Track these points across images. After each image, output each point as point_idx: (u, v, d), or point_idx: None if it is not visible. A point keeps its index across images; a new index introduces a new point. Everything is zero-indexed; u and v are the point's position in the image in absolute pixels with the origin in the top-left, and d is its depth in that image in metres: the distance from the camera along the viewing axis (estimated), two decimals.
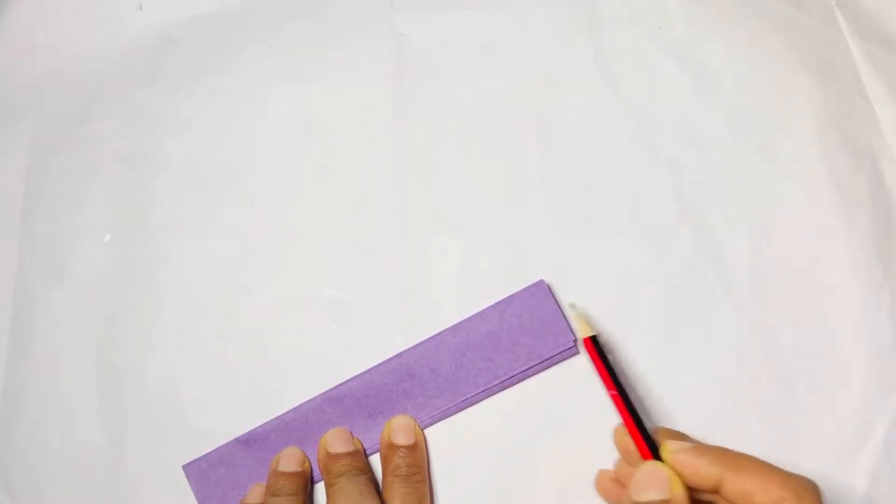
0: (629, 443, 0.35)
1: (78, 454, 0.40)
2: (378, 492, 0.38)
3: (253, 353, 0.41)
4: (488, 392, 0.40)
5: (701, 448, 0.33)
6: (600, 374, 0.36)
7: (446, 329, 0.40)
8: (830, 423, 0.39)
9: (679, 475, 0.32)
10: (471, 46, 0.45)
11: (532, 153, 0.43)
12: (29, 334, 0.42)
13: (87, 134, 0.45)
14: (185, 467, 0.40)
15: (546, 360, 0.39)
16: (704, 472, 0.32)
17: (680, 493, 0.31)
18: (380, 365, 0.40)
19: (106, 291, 0.43)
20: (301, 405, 0.40)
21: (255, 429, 0.40)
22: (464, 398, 0.39)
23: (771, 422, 0.39)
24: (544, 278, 0.41)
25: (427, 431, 0.40)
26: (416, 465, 0.38)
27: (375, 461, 0.39)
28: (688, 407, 0.39)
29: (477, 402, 0.40)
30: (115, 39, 0.47)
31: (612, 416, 0.39)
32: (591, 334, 0.37)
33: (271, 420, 0.40)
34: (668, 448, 0.33)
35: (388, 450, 0.38)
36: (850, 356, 0.40)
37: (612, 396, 0.35)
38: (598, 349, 0.36)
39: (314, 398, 0.40)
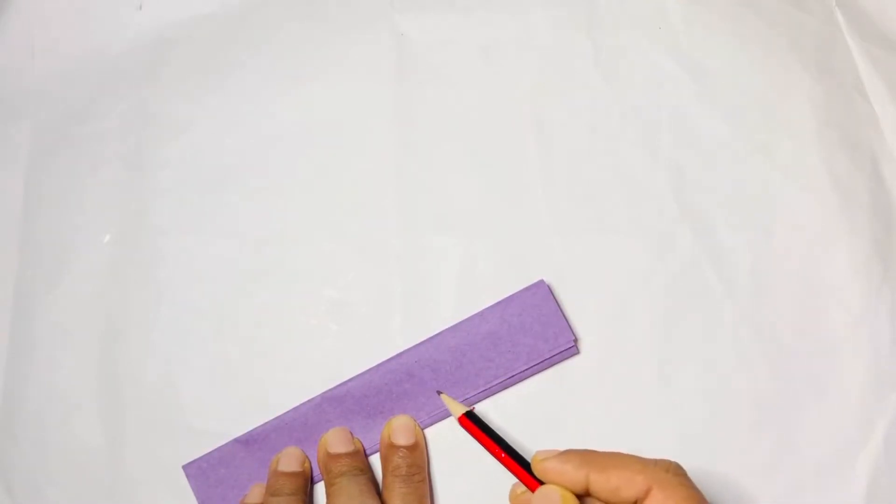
0: (523, 500, 0.35)
1: (78, 454, 0.40)
2: (378, 492, 0.38)
3: (253, 353, 0.41)
4: (488, 392, 0.40)
5: (567, 454, 0.33)
6: (484, 445, 0.36)
7: (446, 329, 0.40)
8: (830, 423, 0.39)
9: (548, 481, 0.33)
10: (471, 46, 0.45)
11: (532, 153, 0.43)
12: (29, 334, 0.42)
13: (87, 134, 0.45)
14: (185, 467, 0.40)
15: (546, 360, 0.39)
16: (571, 475, 0.32)
17: None
18: (380, 365, 0.40)
19: (106, 291, 0.43)
20: (301, 405, 0.40)
21: (255, 429, 0.40)
22: (464, 398, 0.39)
23: (771, 422, 0.39)
24: (544, 278, 0.41)
25: (427, 431, 0.40)
26: (416, 465, 0.38)
27: (375, 461, 0.40)
28: (688, 407, 0.39)
29: (477, 402, 0.40)
30: (115, 39, 0.47)
31: (611, 417, 0.39)
32: (464, 411, 0.37)
33: (271, 420, 0.40)
34: (536, 458, 0.34)
35: (388, 450, 0.38)
36: (850, 356, 0.40)
37: (503, 459, 0.36)
38: (476, 422, 0.37)
39: (314, 398, 0.40)
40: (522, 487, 0.35)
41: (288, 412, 0.40)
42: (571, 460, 0.33)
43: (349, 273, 0.42)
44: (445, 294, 0.41)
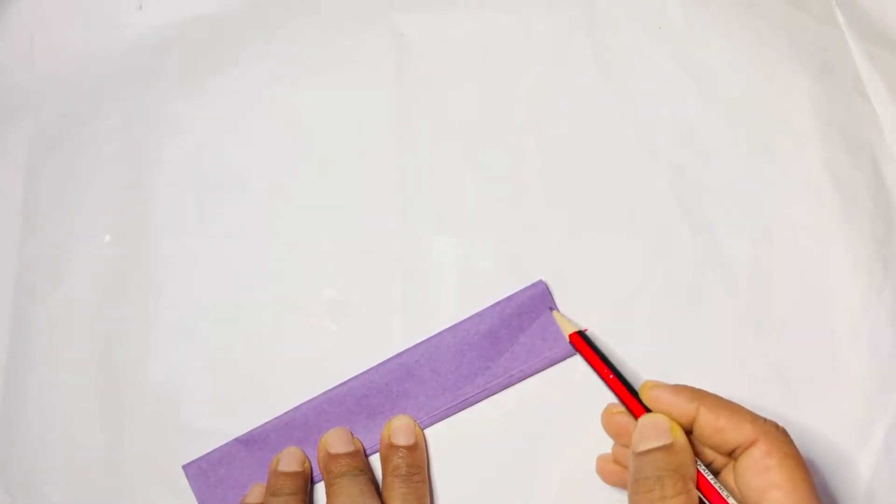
0: (619, 420, 0.35)
1: (78, 454, 0.40)
2: (378, 492, 0.38)
3: (253, 353, 0.41)
4: (488, 392, 0.40)
5: (679, 386, 0.34)
6: (593, 365, 0.36)
7: (446, 329, 0.40)
8: (830, 423, 0.39)
9: (656, 409, 0.33)
10: (471, 46, 0.45)
11: (532, 153, 0.43)
12: (29, 334, 0.42)
13: (87, 134, 0.45)
14: (185, 467, 0.40)
15: (546, 359, 0.39)
16: (680, 407, 0.33)
17: (681, 437, 0.32)
18: (380, 365, 0.40)
19: (106, 291, 0.43)
20: (301, 405, 0.40)
21: (255, 429, 0.40)
22: (464, 398, 0.39)
23: None
24: (544, 278, 0.41)
25: (427, 431, 0.40)
26: (416, 465, 0.38)
27: (375, 461, 0.39)
28: None
29: (477, 402, 0.40)
30: (114, 40, 0.47)
31: None
32: (576, 330, 0.38)
33: (271, 420, 0.40)
34: (647, 385, 0.34)
35: (388, 450, 0.38)
36: (850, 356, 0.40)
37: (610, 381, 0.36)
38: (587, 341, 0.37)
39: (314, 398, 0.40)
40: (619, 408, 0.35)
41: (288, 412, 0.40)
42: (683, 393, 0.33)
43: (349, 273, 0.42)
44: (445, 294, 0.41)
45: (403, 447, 0.38)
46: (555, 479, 0.38)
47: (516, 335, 0.40)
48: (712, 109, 0.44)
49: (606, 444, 0.37)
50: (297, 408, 0.40)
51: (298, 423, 0.40)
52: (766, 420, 0.32)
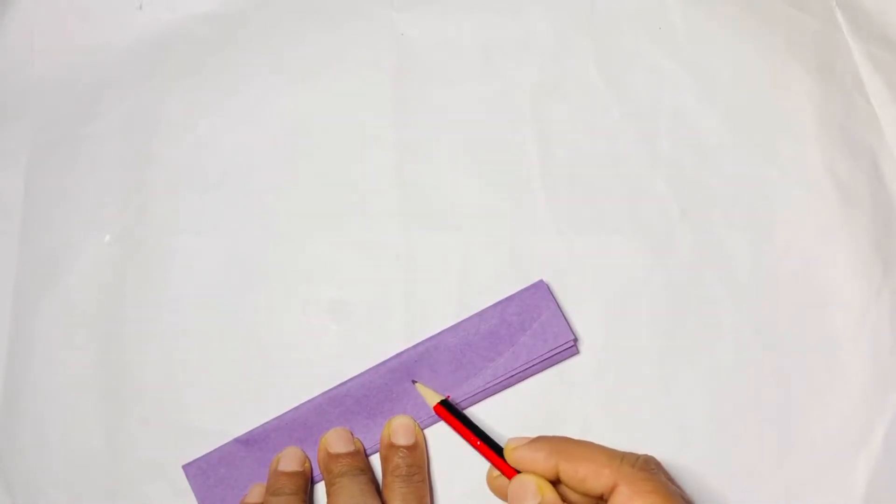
0: (500, 483, 0.36)
1: (78, 454, 0.40)
2: (378, 491, 0.38)
3: (253, 353, 0.41)
4: (488, 392, 0.40)
5: (538, 441, 0.34)
6: (460, 432, 0.37)
7: (446, 329, 0.40)
8: (830, 423, 0.39)
9: (520, 469, 0.34)
10: (471, 46, 0.45)
11: (532, 153, 0.43)
12: (29, 334, 0.42)
13: (87, 134, 0.45)
14: (185, 467, 0.40)
15: (546, 359, 0.39)
16: (542, 463, 0.33)
17: (549, 494, 0.33)
18: (380, 365, 0.40)
19: (106, 291, 0.43)
20: (301, 405, 0.40)
21: (255, 429, 0.40)
22: (464, 398, 0.39)
23: (771, 422, 0.39)
24: (544, 278, 0.41)
25: (427, 431, 0.40)
26: (416, 465, 0.38)
27: (375, 461, 0.39)
28: (688, 407, 0.39)
29: (477, 402, 0.40)
30: (114, 39, 0.47)
31: (611, 417, 0.39)
32: (439, 400, 0.38)
33: (271, 420, 0.40)
34: (509, 446, 0.35)
35: (388, 450, 0.38)
36: (850, 356, 0.40)
37: (478, 447, 0.36)
38: (451, 410, 0.38)
39: (314, 398, 0.40)
40: (497, 472, 0.36)
41: (288, 412, 0.40)
42: (542, 448, 0.34)
43: (349, 273, 0.42)
44: (445, 294, 0.41)
45: (403, 447, 0.38)
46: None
47: (516, 335, 0.40)
48: (712, 109, 0.44)
49: (607, 444, 0.37)
50: (297, 408, 0.40)
51: (298, 423, 0.40)
52: (623, 458, 0.32)
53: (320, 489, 0.39)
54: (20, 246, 0.44)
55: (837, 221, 0.41)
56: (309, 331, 0.41)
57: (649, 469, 0.32)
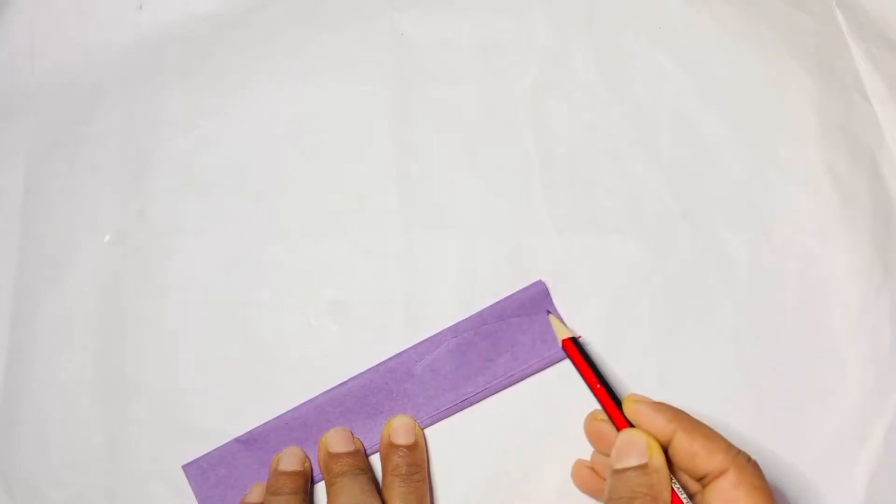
0: (601, 428, 0.35)
1: (78, 454, 0.40)
2: (379, 491, 0.38)
3: (253, 353, 0.41)
4: (488, 392, 0.40)
5: (661, 404, 0.34)
6: (582, 372, 0.37)
7: (446, 329, 0.40)
8: (830, 423, 0.39)
9: (636, 423, 0.34)
10: (471, 46, 0.45)
11: (532, 153, 0.43)
12: (29, 334, 0.42)
13: (87, 134, 0.45)
14: (185, 467, 0.40)
15: (546, 359, 0.39)
16: (658, 426, 0.33)
17: (657, 457, 0.32)
18: (380, 365, 0.40)
19: (106, 291, 0.43)
20: (301, 405, 0.40)
21: (255, 429, 0.40)
22: (464, 398, 0.39)
23: (771, 422, 0.39)
24: (544, 278, 0.41)
25: (427, 431, 0.40)
26: (416, 464, 0.38)
27: (375, 461, 0.39)
28: (687, 407, 0.39)
29: (477, 402, 0.40)
30: (115, 39, 0.47)
31: None
32: (569, 336, 0.38)
33: (271, 420, 0.40)
34: (630, 398, 0.34)
35: (388, 449, 0.38)
36: (850, 356, 0.40)
37: (597, 391, 0.36)
38: (579, 349, 0.37)
39: (314, 398, 0.40)
40: (603, 415, 0.35)
41: (288, 412, 0.40)
42: (664, 412, 0.33)
43: (349, 273, 0.42)
44: (445, 294, 0.41)
45: (403, 447, 0.38)
46: (554, 479, 0.38)
47: (516, 335, 0.40)
48: (712, 109, 0.44)
49: None
50: (297, 408, 0.40)
51: (298, 423, 0.40)
52: (739, 451, 0.32)
53: (320, 489, 0.39)
54: (20, 246, 0.44)
55: (837, 221, 0.41)
56: (309, 331, 0.41)
57: (760, 469, 0.32)
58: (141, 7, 0.47)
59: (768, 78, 0.44)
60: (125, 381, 0.41)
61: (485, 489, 0.39)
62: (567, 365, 0.40)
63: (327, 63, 0.46)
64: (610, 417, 0.35)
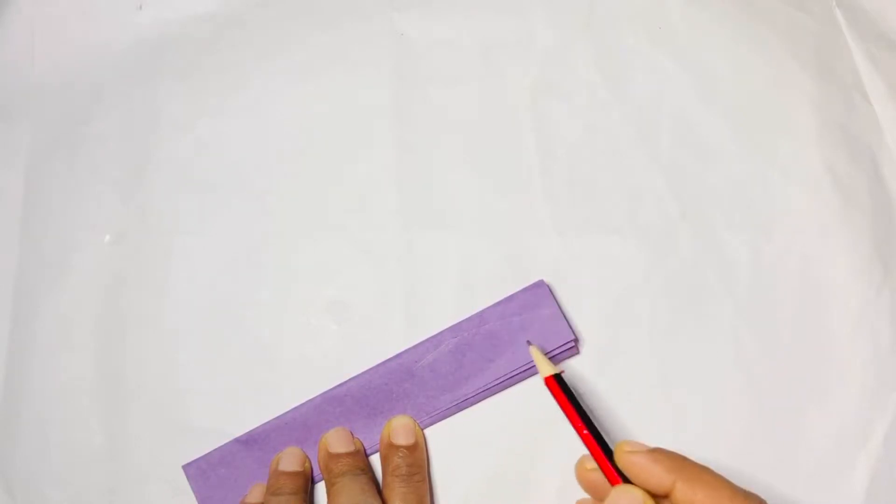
0: (591, 478, 0.34)
1: (78, 454, 0.40)
2: (379, 491, 0.38)
3: (253, 353, 0.41)
4: (488, 392, 0.40)
5: (657, 453, 0.32)
6: (567, 414, 0.34)
7: (446, 329, 0.40)
8: (830, 423, 0.39)
9: (630, 476, 0.32)
10: (471, 46, 0.45)
11: (532, 153, 0.43)
12: (29, 334, 0.42)
13: (87, 134, 0.45)
14: (185, 467, 0.40)
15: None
16: (657, 478, 0.31)
17: None
18: (380, 365, 0.40)
19: (106, 291, 0.43)
20: (301, 405, 0.40)
21: (255, 429, 0.40)
22: (464, 398, 0.39)
23: (771, 422, 0.39)
24: (544, 278, 0.41)
25: (427, 431, 0.40)
26: (416, 465, 0.38)
27: (375, 461, 0.39)
28: (688, 407, 0.39)
29: (477, 402, 0.40)
30: (114, 39, 0.47)
31: (611, 417, 0.39)
32: (553, 373, 0.36)
33: (271, 420, 0.40)
34: (623, 448, 0.32)
35: (388, 450, 0.38)
36: (850, 356, 0.40)
37: (584, 437, 0.34)
38: (563, 387, 0.35)
39: (314, 398, 0.40)
40: (593, 463, 0.33)
41: (288, 412, 0.40)
42: (662, 462, 0.31)
43: (349, 273, 0.42)
44: (445, 294, 0.41)
45: (403, 447, 0.38)
46: (554, 479, 0.38)
47: (516, 335, 0.40)
48: (712, 109, 0.44)
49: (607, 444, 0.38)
50: (297, 408, 0.40)
51: (298, 423, 0.40)
52: (747, 495, 0.30)
53: (321, 489, 0.39)
54: (20, 246, 0.44)
55: (837, 221, 0.41)
56: (309, 331, 0.42)
57: None
58: (141, 7, 0.47)
59: (768, 78, 0.44)
60: (125, 381, 0.41)
61: (485, 489, 0.39)
62: (567, 366, 0.40)
63: (327, 63, 0.46)
64: (601, 468, 0.33)
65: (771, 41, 0.45)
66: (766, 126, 0.43)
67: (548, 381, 0.35)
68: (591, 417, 0.34)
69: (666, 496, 0.31)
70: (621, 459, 0.32)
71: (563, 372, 0.36)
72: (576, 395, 0.35)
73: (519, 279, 0.41)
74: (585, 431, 0.34)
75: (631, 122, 0.44)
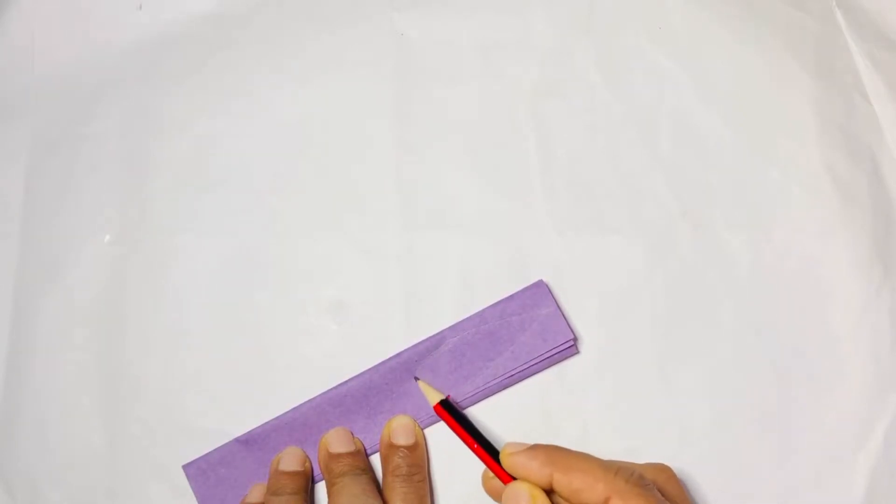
0: (494, 485, 0.36)
1: (78, 454, 0.40)
2: (379, 491, 0.38)
3: (253, 353, 0.41)
4: (488, 392, 0.40)
5: (534, 450, 0.34)
6: (458, 433, 0.37)
7: (446, 329, 0.40)
8: (830, 423, 0.39)
9: (515, 475, 0.34)
10: (471, 46, 0.45)
11: (532, 153, 0.43)
12: (29, 334, 0.42)
13: (87, 134, 0.45)
14: (185, 467, 0.40)
15: (546, 359, 0.39)
16: (536, 472, 0.33)
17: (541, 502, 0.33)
18: (380, 365, 0.40)
19: (106, 291, 0.43)
20: (301, 405, 0.40)
21: (255, 429, 0.40)
22: (464, 398, 0.39)
23: (771, 421, 0.39)
24: (544, 278, 0.41)
25: (427, 431, 0.40)
26: (416, 465, 0.38)
27: (375, 461, 0.39)
28: (688, 407, 0.39)
29: (477, 402, 0.40)
30: (114, 39, 0.47)
31: (611, 417, 0.39)
32: (439, 399, 0.38)
33: (271, 420, 0.40)
34: (505, 451, 0.35)
35: (389, 450, 0.38)
36: (850, 356, 0.40)
37: (475, 450, 0.36)
38: (449, 411, 0.37)
39: (314, 398, 0.40)
40: (493, 474, 0.36)
41: (288, 412, 0.40)
42: (538, 457, 0.33)
43: (349, 273, 0.42)
44: (445, 294, 0.41)
45: (404, 447, 0.38)
46: None
47: (516, 335, 0.40)
48: (712, 109, 0.44)
49: (605, 445, 0.37)
50: (297, 408, 0.40)
51: (298, 423, 0.40)
52: (617, 472, 0.32)
53: (321, 489, 0.39)
54: (20, 246, 0.44)
55: (837, 221, 0.41)
56: (309, 331, 0.42)
57: (643, 485, 0.32)
58: (141, 7, 0.47)
59: (768, 78, 0.44)
60: (125, 381, 0.41)
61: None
62: (567, 366, 0.40)
63: (327, 63, 0.46)
64: (496, 474, 0.35)
65: (771, 41, 0.45)
66: (766, 126, 0.43)
67: (436, 408, 0.38)
68: (480, 431, 0.37)
69: (549, 487, 0.33)
70: (505, 461, 0.34)
71: (448, 397, 0.38)
72: (465, 414, 0.38)
73: (519, 279, 0.41)
74: (476, 446, 0.36)
75: (631, 123, 0.44)
